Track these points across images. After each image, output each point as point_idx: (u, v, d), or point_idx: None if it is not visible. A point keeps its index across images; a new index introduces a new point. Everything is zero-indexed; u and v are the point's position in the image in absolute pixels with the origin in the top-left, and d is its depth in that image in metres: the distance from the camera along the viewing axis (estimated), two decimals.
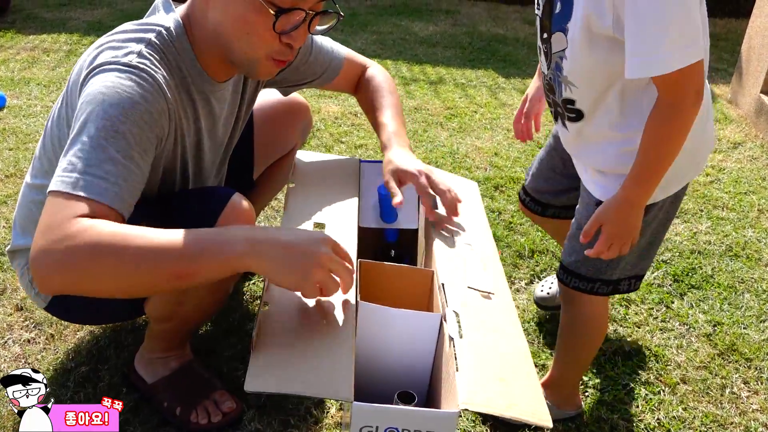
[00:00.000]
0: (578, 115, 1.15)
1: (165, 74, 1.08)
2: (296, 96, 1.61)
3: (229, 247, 0.90)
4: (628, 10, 0.95)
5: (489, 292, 1.15)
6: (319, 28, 1.12)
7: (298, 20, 1.06)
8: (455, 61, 3.99)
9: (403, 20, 4.84)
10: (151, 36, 1.09)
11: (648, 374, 1.57)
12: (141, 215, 1.06)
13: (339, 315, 1.04)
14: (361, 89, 1.51)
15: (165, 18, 1.12)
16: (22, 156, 2.39)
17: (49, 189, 0.94)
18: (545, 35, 1.11)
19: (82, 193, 0.92)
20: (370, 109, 1.47)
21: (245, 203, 1.17)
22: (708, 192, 2.48)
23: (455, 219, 1.30)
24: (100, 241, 0.87)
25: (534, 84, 1.44)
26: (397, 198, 1.22)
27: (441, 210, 1.28)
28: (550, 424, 0.91)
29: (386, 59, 3.92)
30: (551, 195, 1.48)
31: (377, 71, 1.52)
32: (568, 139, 1.24)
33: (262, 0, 1.01)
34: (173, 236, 0.90)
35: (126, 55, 1.04)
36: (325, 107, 3.04)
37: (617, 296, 1.84)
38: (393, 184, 1.23)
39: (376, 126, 1.42)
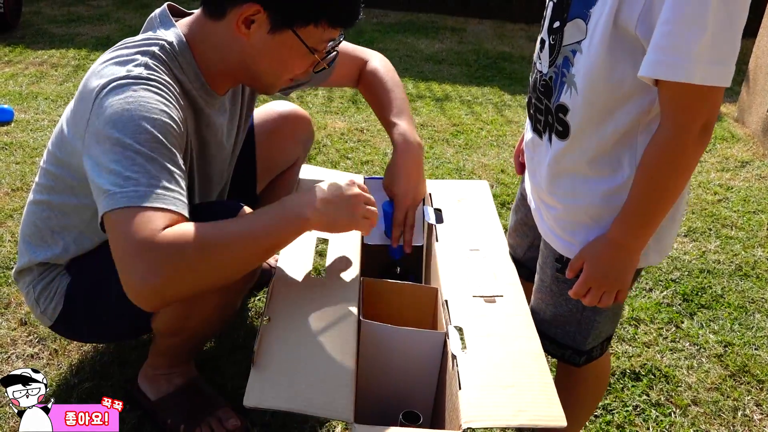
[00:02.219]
0: (565, 131, 0.98)
1: (172, 83, 1.10)
2: (297, 109, 1.62)
3: (300, 215, 1.06)
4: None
5: (495, 296, 1.13)
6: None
7: (329, 58, 1.20)
8: (461, 78, 4.01)
9: (409, 37, 4.86)
10: (155, 49, 1.11)
11: (658, 395, 1.55)
12: None
13: (341, 333, 1.02)
14: (363, 83, 1.52)
15: (166, 33, 1.14)
16: (28, 170, 2.40)
17: (116, 206, 0.95)
18: (557, 24, 0.95)
19: (156, 205, 0.95)
20: (376, 106, 1.49)
21: None
22: (716, 211, 2.46)
23: (464, 226, 1.32)
24: (204, 241, 0.96)
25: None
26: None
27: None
28: (564, 423, 0.88)
29: None
30: (530, 251, 1.28)
31: (379, 64, 1.51)
32: (545, 162, 1.05)
33: (308, 48, 1.12)
34: (256, 219, 1.04)
35: (135, 67, 1.06)
36: (331, 123, 3.05)
37: (626, 315, 1.82)
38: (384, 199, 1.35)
39: (385, 124, 1.45)
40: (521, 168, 1.36)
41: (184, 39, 1.14)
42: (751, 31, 4.11)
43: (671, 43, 0.81)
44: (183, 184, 1.03)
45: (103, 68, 1.08)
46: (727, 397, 1.56)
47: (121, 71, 1.05)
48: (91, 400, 1.40)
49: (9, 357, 1.51)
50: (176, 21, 1.17)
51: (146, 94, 1.03)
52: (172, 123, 1.04)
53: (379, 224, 1.32)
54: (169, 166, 1.00)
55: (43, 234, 1.23)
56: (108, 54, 1.11)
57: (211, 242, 0.97)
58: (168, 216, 0.96)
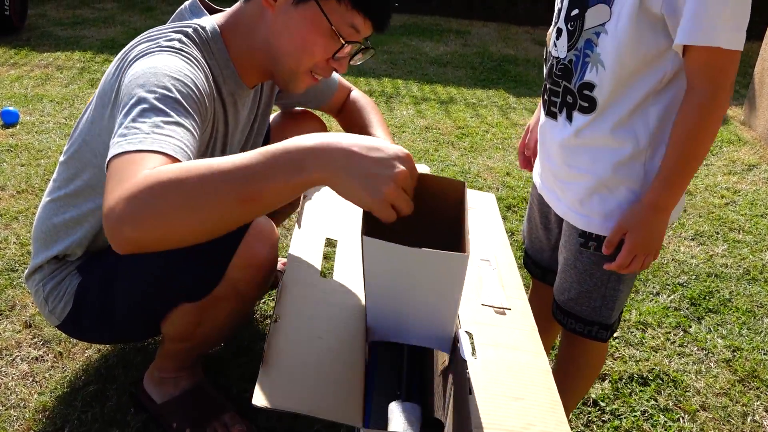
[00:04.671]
0: (591, 105, 1.07)
1: (203, 62, 1.11)
2: (311, 112, 1.62)
3: (297, 161, 0.80)
4: None
5: (504, 308, 1.12)
6: (354, 61, 1.21)
7: (351, 50, 1.16)
8: (466, 81, 4.00)
9: (414, 40, 4.86)
10: (188, 30, 1.12)
11: (667, 400, 1.54)
12: None
13: (349, 335, 1.01)
14: (345, 111, 1.56)
15: (199, 20, 1.15)
16: (33, 172, 2.40)
17: (113, 153, 0.86)
18: (575, 11, 1.06)
19: (148, 148, 0.85)
20: (357, 126, 1.52)
21: (269, 224, 1.16)
22: (723, 214, 2.45)
23: (472, 234, 1.31)
24: (161, 178, 0.79)
25: (536, 114, 1.37)
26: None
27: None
28: None
29: (397, 78, 3.93)
30: (546, 252, 1.34)
31: (360, 94, 1.58)
32: (563, 139, 1.13)
33: (329, 23, 1.09)
34: (237, 159, 0.80)
35: (166, 41, 1.07)
36: (336, 127, 3.04)
37: (633, 319, 1.81)
38: None
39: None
40: (525, 162, 1.39)
41: (217, 27, 1.15)
42: (757, 35, 4.11)
43: (702, 14, 0.94)
44: (193, 141, 0.93)
45: (134, 46, 1.09)
46: (736, 402, 1.54)
47: (152, 44, 1.06)
48: (96, 404, 1.39)
49: (14, 359, 1.51)
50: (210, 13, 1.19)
51: (173, 59, 1.03)
52: (194, 88, 1.01)
53: None
54: (180, 120, 0.93)
55: (58, 229, 1.23)
56: (138, 37, 1.12)
57: (184, 177, 0.79)
58: (161, 158, 0.84)
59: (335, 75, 1.51)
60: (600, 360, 1.33)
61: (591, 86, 1.06)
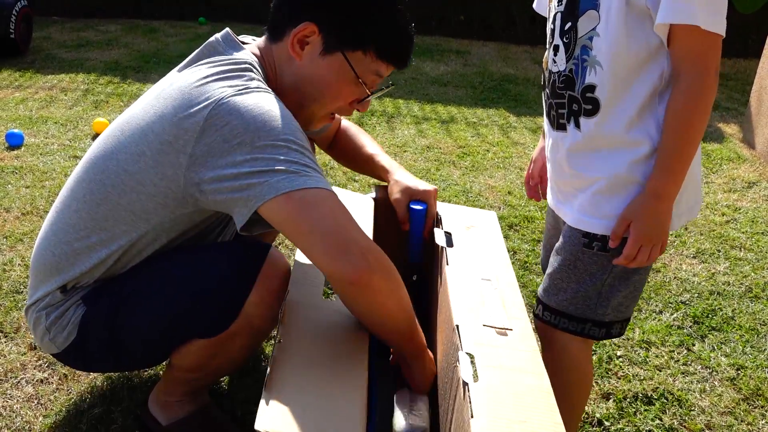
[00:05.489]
0: (594, 107, 1.10)
1: None
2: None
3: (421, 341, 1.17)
4: None
5: (505, 329, 1.13)
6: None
7: (374, 94, 1.21)
8: (466, 100, 4.03)
9: (414, 60, 4.90)
10: (248, 66, 1.11)
11: (672, 420, 1.53)
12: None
13: (352, 358, 1.02)
14: (338, 139, 1.58)
15: (242, 54, 1.13)
16: (38, 194, 2.41)
17: (299, 186, 0.99)
18: (569, 25, 1.11)
19: (328, 188, 1.02)
20: (352, 150, 1.55)
21: (281, 256, 1.18)
22: (725, 232, 2.46)
23: (474, 253, 1.33)
24: (394, 272, 1.05)
25: (540, 145, 1.39)
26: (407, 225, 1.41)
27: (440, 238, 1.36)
28: None
29: (398, 98, 3.97)
30: None
31: (349, 123, 1.60)
32: (573, 147, 1.15)
33: (355, 74, 1.14)
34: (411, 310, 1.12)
35: (247, 81, 1.07)
36: None
37: (637, 338, 1.81)
38: (403, 209, 1.38)
39: (366, 159, 1.52)
40: (532, 192, 1.39)
41: (258, 61, 1.14)
42: (754, 53, 4.15)
43: None
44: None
45: (205, 84, 1.05)
46: (741, 421, 1.54)
47: (236, 84, 1.04)
48: (101, 426, 1.39)
49: (19, 382, 1.51)
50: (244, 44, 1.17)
51: (273, 99, 1.06)
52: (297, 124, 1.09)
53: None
54: (312, 159, 1.07)
55: (78, 252, 1.16)
56: (198, 73, 1.08)
57: (395, 276, 1.05)
58: (333, 195, 1.05)
59: None
60: (583, 364, 1.28)
61: (593, 88, 1.09)
